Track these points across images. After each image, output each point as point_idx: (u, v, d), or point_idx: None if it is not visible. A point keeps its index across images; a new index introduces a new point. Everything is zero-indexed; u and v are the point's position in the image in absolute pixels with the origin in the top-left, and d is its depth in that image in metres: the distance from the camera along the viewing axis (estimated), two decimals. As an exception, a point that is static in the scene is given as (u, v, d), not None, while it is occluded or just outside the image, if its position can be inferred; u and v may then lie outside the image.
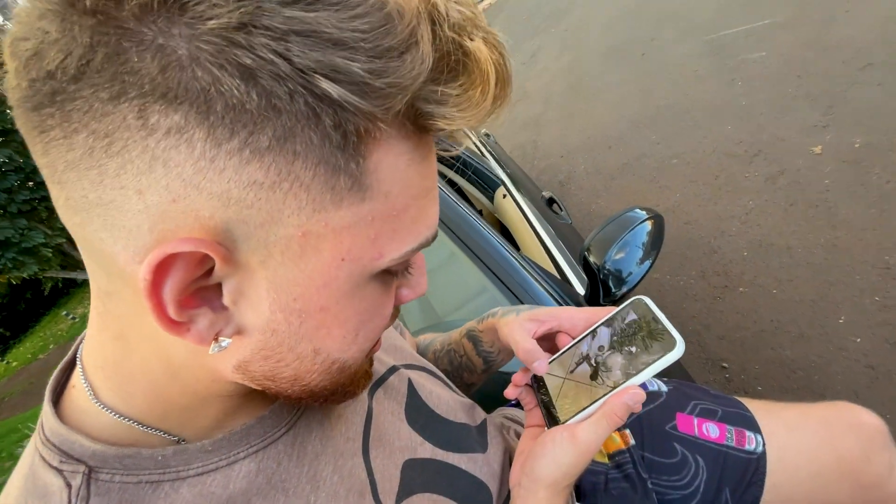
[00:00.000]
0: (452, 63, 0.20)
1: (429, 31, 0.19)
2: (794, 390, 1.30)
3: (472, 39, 0.20)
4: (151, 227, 0.20)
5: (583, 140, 3.36)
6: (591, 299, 0.83)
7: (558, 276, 0.99)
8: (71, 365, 0.29)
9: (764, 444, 0.52)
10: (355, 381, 0.31)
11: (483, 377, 0.59)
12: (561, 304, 0.83)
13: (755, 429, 0.53)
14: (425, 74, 0.19)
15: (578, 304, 0.87)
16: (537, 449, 0.37)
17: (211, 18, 0.17)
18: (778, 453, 0.51)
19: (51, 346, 10.54)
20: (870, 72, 2.04)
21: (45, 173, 0.21)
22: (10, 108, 0.21)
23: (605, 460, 0.54)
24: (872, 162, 1.70)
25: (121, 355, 0.26)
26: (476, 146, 1.91)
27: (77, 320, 10.90)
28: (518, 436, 0.55)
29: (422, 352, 0.64)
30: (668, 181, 2.37)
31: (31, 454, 0.27)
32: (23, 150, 11.07)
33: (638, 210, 0.86)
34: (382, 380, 0.44)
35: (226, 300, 0.23)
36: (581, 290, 0.90)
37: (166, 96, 0.18)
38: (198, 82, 0.18)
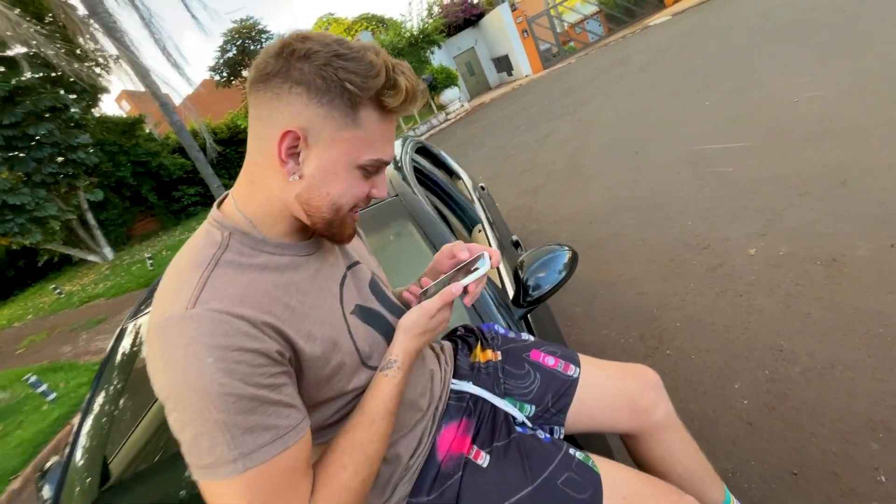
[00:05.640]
0: (392, 83, 0.51)
1: (384, 70, 0.50)
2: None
3: (399, 76, 0.52)
4: (284, 125, 0.51)
5: (571, 213, 3.77)
6: (515, 300, 1.12)
7: (500, 286, 1.28)
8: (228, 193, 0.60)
9: (579, 374, 0.79)
10: (342, 230, 0.58)
11: None
12: (496, 302, 1.11)
13: (577, 364, 0.81)
14: (381, 85, 0.51)
15: (507, 305, 1.15)
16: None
17: (315, 60, 0.50)
18: (587, 380, 0.79)
19: (29, 317, 10.29)
20: (806, 199, 2.44)
21: (251, 112, 0.53)
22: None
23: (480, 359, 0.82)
24: (790, 268, 2.04)
25: (248, 188, 0.56)
26: (468, 193, 2.27)
27: (63, 296, 10.53)
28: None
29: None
30: (632, 258, 2.71)
31: (206, 225, 0.57)
32: (66, 128, 11.64)
33: (564, 245, 1.17)
34: (355, 263, 0.71)
35: (300, 158, 0.53)
36: (511, 294, 1.19)
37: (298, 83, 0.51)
38: (306, 78, 0.49)
